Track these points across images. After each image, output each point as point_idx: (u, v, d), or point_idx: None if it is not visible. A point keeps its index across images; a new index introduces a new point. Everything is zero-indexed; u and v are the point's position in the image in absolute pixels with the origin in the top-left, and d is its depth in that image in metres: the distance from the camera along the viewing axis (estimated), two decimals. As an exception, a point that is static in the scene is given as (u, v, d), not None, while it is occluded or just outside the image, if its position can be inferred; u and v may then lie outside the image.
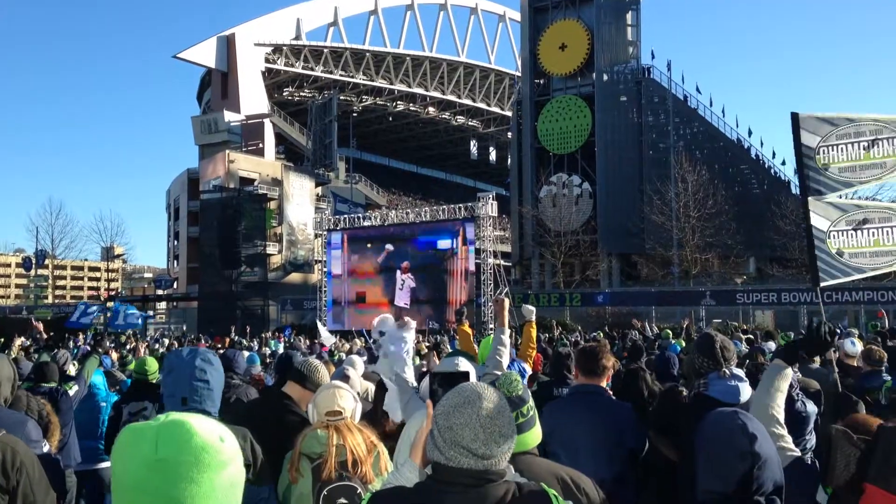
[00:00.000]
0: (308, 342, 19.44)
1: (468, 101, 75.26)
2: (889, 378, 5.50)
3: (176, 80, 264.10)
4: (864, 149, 5.14)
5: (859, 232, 5.27)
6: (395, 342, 3.47)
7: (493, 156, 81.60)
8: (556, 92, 48.24)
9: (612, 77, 47.38)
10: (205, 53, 57.88)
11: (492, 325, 14.40)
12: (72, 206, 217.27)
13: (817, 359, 6.78)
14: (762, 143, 51.54)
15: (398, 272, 34.15)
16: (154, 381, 5.97)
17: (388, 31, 69.27)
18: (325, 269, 36.79)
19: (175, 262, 61.17)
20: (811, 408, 4.75)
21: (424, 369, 6.71)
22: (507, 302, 4.84)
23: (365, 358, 8.29)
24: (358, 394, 3.42)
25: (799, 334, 13.56)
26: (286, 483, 2.91)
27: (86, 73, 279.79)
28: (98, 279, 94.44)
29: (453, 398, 1.85)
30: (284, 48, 62.25)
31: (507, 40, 77.83)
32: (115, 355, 11.38)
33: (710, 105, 49.31)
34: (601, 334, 18.92)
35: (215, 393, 2.73)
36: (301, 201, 53.91)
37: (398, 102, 72.92)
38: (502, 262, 37.43)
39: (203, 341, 20.15)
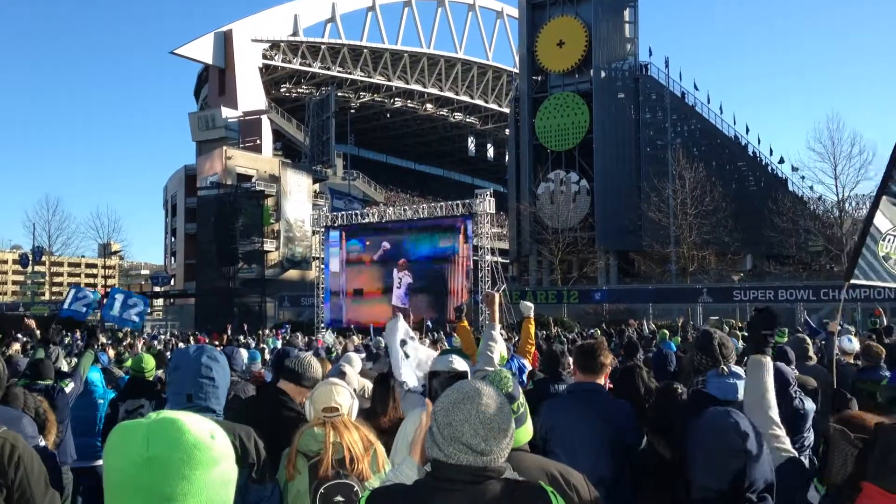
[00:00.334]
0: (306, 339, 19.45)
1: (466, 98, 75.22)
2: (888, 374, 5.52)
3: (173, 77, 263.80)
4: None
5: None
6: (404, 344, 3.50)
7: (490, 153, 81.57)
8: (553, 89, 48.23)
9: (609, 74, 47.39)
10: (202, 49, 57.78)
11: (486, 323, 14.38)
12: (69, 203, 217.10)
13: (814, 356, 6.81)
14: (759, 141, 51.45)
15: (395, 269, 34.17)
16: (151, 379, 5.96)
17: (386, 28, 69.33)
18: (322, 266, 36.78)
19: (172, 258, 61.10)
20: (809, 405, 4.76)
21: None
22: (497, 297, 4.84)
23: (363, 355, 8.30)
24: (354, 391, 3.42)
25: (796, 330, 13.61)
26: (283, 480, 2.91)
27: (82, 70, 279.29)
28: (95, 276, 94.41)
29: (452, 395, 1.85)
30: (282, 44, 62.16)
31: (504, 37, 77.90)
32: (111, 352, 11.35)
33: (708, 102, 49.37)
34: (598, 331, 18.96)
35: (221, 391, 2.72)
36: (298, 198, 53.88)
37: (396, 99, 72.84)
38: (500, 259, 37.47)
39: (200, 336, 20.12)
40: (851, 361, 7.21)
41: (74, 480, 5.40)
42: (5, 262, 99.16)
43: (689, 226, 38.42)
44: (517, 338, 8.58)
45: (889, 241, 5.12)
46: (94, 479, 5.61)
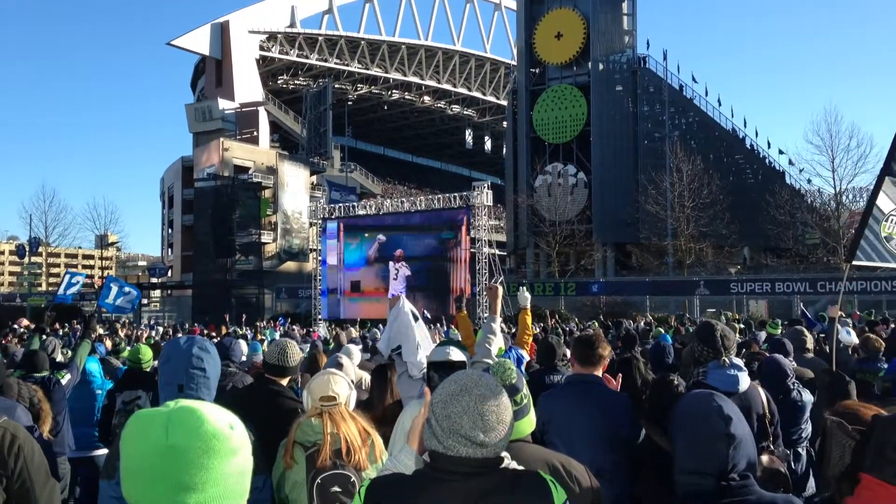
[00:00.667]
0: (304, 331, 19.43)
1: (464, 90, 75.07)
2: (885, 366, 5.54)
3: (170, 68, 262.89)
4: None
5: None
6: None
7: (488, 145, 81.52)
8: (551, 81, 48.15)
9: (607, 66, 47.32)
10: (199, 41, 57.56)
11: (485, 315, 14.44)
12: (65, 194, 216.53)
13: (811, 348, 6.82)
14: (757, 134, 51.60)
15: (391, 261, 34.13)
16: (148, 370, 5.95)
17: (384, 19, 69.06)
18: (319, 258, 36.76)
19: (169, 250, 61.03)
20: (807, 397, 4.77)
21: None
22: (500, 290, 4.82)
23: (360, 347, 8.30)
24: (352, 381, 3.41)
25: (793, 322, 13.62)
26: (280, 471, 2.91)
27: (79, 60, 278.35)
28: (92, 267, 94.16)
29: (450, 386, 1.83)
30: (279, 36, 61.93)
31: (502, 29, 77.70)
32: (108, 343, 11.33)
33: (706, 95, 49.41)
34: (596, 323, 18.97)
35: (212, 381, 2.71)
36: (296, 190, 53.80)
37: (393, 91, 72.67)
38: (497, 252, 37.45)
39: (197, 328, 20.08)
40: (850, 353, 7.25)
41: (72, 470, 5.40)
42: (2, 252, 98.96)
43: (686, 218, 38.45)
44: (514, 328, 8.57)
45: (892, 221, 5.07)
46: (91, 468, 5.60)
